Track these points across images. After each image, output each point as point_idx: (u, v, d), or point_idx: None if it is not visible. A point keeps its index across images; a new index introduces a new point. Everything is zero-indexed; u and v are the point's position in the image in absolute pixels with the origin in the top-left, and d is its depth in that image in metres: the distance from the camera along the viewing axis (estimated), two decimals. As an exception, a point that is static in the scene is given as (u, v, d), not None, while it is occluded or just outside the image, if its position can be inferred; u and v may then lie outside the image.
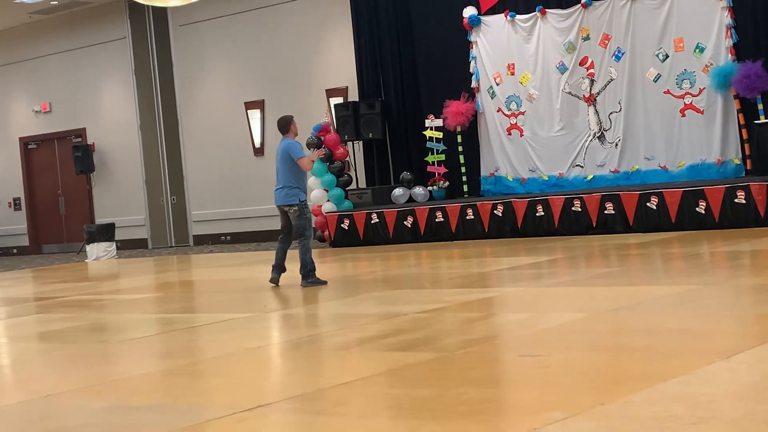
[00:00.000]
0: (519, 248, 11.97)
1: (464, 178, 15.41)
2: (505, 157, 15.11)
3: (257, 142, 18.34)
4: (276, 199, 9.82)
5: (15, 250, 22.38)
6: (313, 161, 10.44)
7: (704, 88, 13.19)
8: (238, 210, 18.55)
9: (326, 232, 15.40)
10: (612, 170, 14.06)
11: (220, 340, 6.90)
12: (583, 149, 14.36)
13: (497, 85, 15.10)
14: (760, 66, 12.52)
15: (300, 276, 9.68)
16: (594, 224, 12.78)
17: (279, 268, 9.90)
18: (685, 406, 3.87)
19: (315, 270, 9.71)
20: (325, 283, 9.67)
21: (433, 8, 15.73)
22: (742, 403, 3.91)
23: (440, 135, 15.39)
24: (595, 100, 14.21)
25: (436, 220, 14.23)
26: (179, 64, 19.43)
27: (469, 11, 15.22)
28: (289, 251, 10.00)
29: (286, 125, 9.91)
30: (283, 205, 9.75)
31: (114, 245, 18.53)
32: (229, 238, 18.87)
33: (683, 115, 13.44)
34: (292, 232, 9.91)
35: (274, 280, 9.90)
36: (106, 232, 18.44)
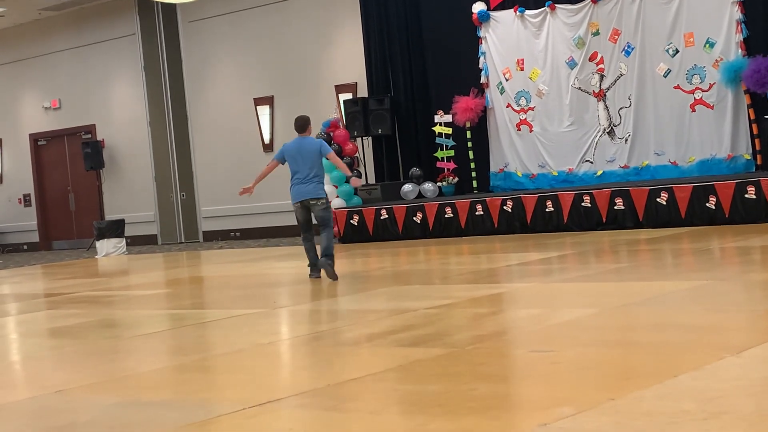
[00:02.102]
0: (528, 244, 11.96)
1: (473, 174, 15.40)
2: (515, 153, 15.10)
3: (266, 138, 18.34)
4: (303, 193, 9.71)
5: (25, 247, 22.46)
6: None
7: (714, 83, 13.15)
8: (248, 206, 18.54)
9: (336, 228, 15.40)
10: (622, 166, 14.03)
11: (231, 336, 6.91)
12: (592, 145, 14.34)
13: (506, 80, 15.09)
14: (771, 61, 12.48)
15: (325, 258, 9.70)
16: (604, 220, 12.76)
17: (316, 265, 9.94)
18: (695, 401, 3.87)
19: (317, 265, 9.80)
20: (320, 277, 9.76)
21: (442, 3, 15.71)
22: (752, 398, 3.90)
23: (449, 131, 15.39)
24: (605, 95, 14.18)
25: (446, 215, 14.22)
26: (188, 60, 19.46)
27: (478, 7, 15.21)
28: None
29: (305, 124, 9.97)
30: (312, 198, 9.72)
31: (124, 241, 18.56)
32: (238, 234, 18.90)
33: (693, 111, 13.40)
34: (311, 227, 9.95)
35: (315, 275, 9.94)
36: (115, 229, 18.48)
